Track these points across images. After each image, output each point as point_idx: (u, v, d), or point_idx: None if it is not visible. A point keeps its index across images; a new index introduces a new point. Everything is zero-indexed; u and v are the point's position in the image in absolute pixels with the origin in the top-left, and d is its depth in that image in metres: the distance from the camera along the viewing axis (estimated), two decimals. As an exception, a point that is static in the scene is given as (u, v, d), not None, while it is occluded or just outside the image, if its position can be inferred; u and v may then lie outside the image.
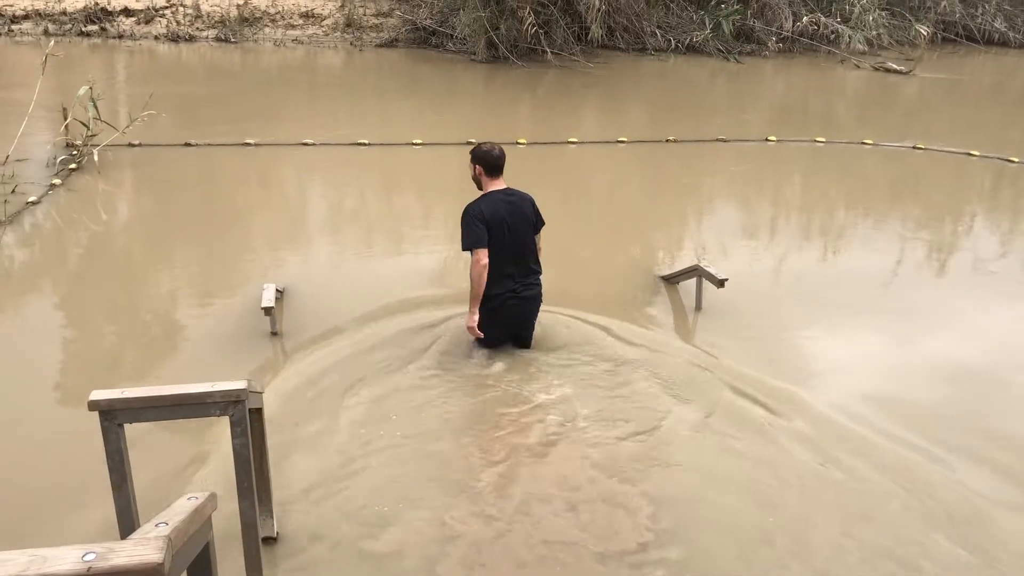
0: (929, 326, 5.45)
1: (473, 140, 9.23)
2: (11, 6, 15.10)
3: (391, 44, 15.49)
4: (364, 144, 9.07)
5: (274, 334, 4.97)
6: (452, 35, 15.11)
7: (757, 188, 8.65)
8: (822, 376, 4.78)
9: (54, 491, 3.58)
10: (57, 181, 7.44)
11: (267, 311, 4.91)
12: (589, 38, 14.77)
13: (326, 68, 14.21)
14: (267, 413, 3.23)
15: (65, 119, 8.27)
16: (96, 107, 8.16)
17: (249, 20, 15.56)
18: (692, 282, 5.63)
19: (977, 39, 18.15)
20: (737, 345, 5.08)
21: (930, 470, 3.84)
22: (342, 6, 16.06)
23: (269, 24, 15.67)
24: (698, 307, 5.56)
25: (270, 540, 3.25)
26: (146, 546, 1.59)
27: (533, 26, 14.16)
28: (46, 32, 14.71)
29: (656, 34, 15.82)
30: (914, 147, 9.90)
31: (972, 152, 9.69)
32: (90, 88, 8.15)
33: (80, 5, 15.28)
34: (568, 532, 3.34)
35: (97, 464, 3.50)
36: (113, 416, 2.61)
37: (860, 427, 4.18)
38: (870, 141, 10.04)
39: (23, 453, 3.86)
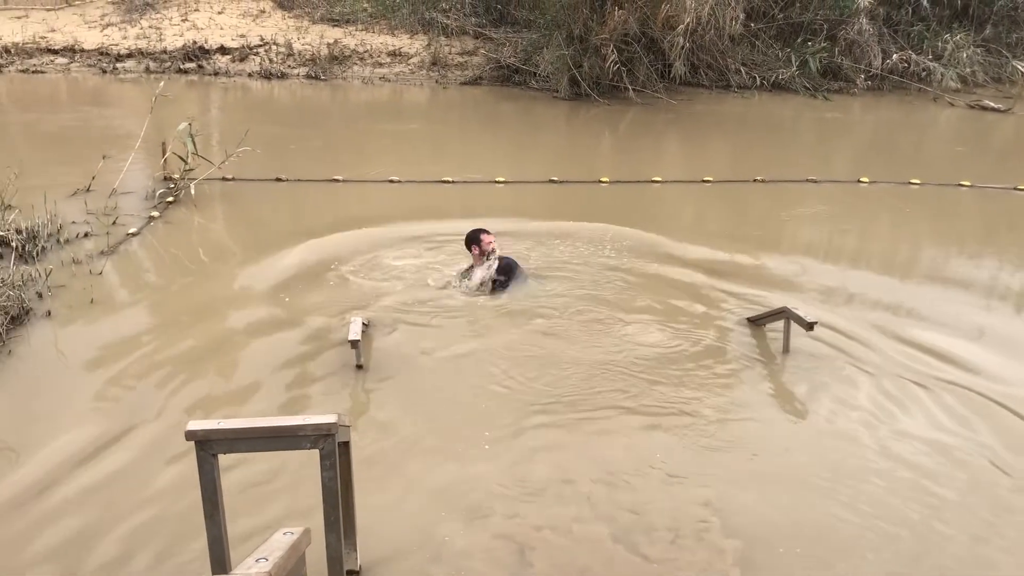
0: None
1: (556, 178, 9.29)
2: (116, 45, 15.89)
3: (475, 82, 15.71)
4: (448, 182, 9.17)
5: (359, 367, 5.02)
6: (535, 73, 15.24)
7: (851, 231, 8.38)
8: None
9: (148, 518, 3.67)
10: (155, 213, 7.72)
11: (353, 344, 4.97)
12: (672, 75, 14.70)
13: (412, 105, 14.47)
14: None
15: (164, 154, 8.60)
16: (194, 142, 8.46)
17: (339, 58, 16.01)
18: (780, 325, 5.51)
19: (1080, 76, 17.44)
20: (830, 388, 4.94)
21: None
22: (428, 45, 16.41)
23: (358, 62, 16.08)
24: (786, 350, 5.42)
25: (353, 574, 3.26)
26: (247, 582, 1.60)
27: (616, 63, 14.18)
28: (147, 70, 15.40)
29: (740, 71, 15.66)
30: (1015, 188, 9.52)
31: (1076, 194, 9.29)
32: (189, 124, 8.47)
33: (179, 44, 15.98)
34: None
35: (183, 493, 3.59)
36: (209, 446, 2.66)
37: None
38: (967, 182, 9.69)
39: (118, 482, 3.96)
